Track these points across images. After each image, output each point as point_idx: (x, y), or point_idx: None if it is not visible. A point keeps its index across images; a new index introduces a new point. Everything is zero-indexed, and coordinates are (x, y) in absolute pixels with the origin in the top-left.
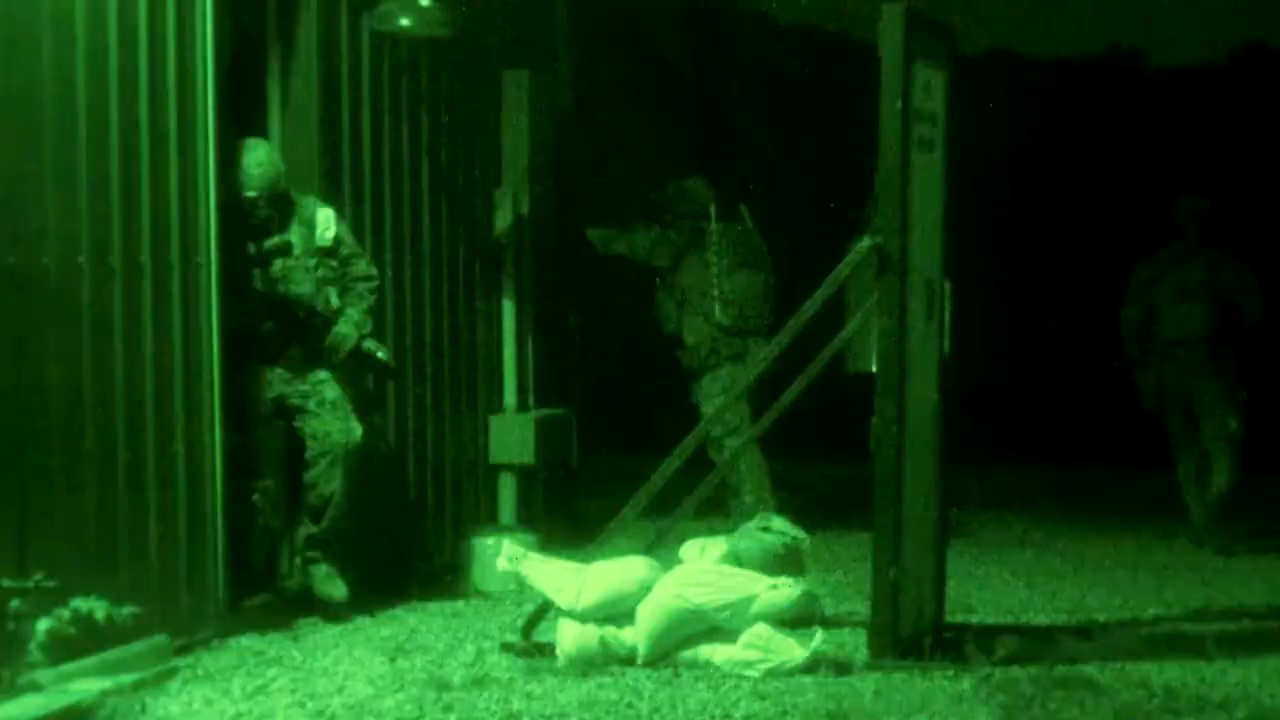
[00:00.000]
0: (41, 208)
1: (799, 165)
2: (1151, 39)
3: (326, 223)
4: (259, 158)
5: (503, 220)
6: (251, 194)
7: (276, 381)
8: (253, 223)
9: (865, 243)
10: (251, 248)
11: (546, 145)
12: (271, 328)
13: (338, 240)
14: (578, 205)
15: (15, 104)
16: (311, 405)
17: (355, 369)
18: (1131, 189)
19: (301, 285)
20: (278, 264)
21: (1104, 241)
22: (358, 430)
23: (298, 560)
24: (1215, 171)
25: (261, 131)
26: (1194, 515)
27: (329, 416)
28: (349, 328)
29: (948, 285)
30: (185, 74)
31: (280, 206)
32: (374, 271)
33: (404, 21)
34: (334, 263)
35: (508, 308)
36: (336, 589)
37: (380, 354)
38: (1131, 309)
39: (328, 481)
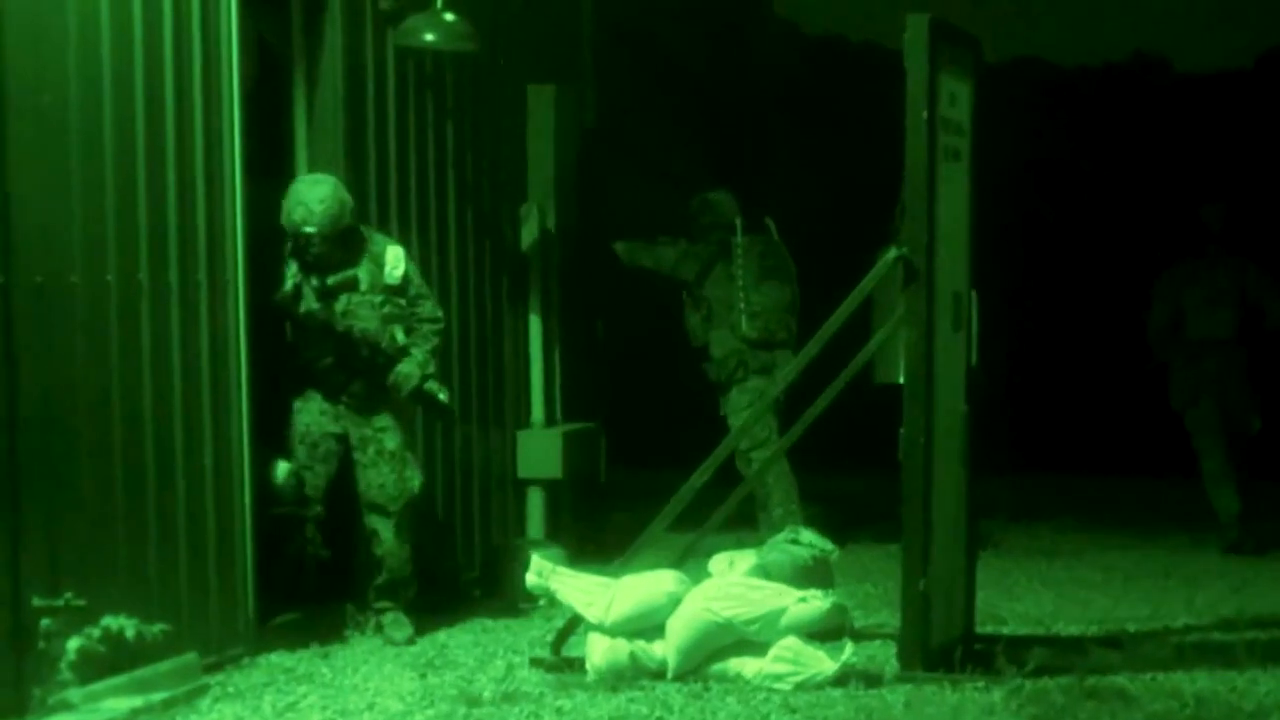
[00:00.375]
0: (68, 226)
1: (824, 176)
2: (1176, 46)
3: (396, 261)
4: (323, 194)
5: (529, 234)
6: (310, 230)
7: (340, 417)
8: (307, 259)
9: (892, 253)
10: (315, 280)
11: (571, 159)
12: (333, 362)
13: (406, 279)
14: (603, 219)
15: (42, 122)
16: (370, 453)
17: (415, 408)
18: (1158, 195)
19: (367, 321)
20: (343, 299)
21: (1131, 248)
22: (415, 480)
23: (369, 608)
24: (1241, 176)
25: (286, 146)
26: (1223, 514)
27: (385, 468)
28: (412, 367)
29: (974, 295)
30: (211, 91)
31: (348, 242)
32: (440, 313)
33: (428, 36)
34: (402, 301)
35: (534, 322)
36: (400, 632)
37: (441, 396)
38: (1158, 313)
39: (385, 535)
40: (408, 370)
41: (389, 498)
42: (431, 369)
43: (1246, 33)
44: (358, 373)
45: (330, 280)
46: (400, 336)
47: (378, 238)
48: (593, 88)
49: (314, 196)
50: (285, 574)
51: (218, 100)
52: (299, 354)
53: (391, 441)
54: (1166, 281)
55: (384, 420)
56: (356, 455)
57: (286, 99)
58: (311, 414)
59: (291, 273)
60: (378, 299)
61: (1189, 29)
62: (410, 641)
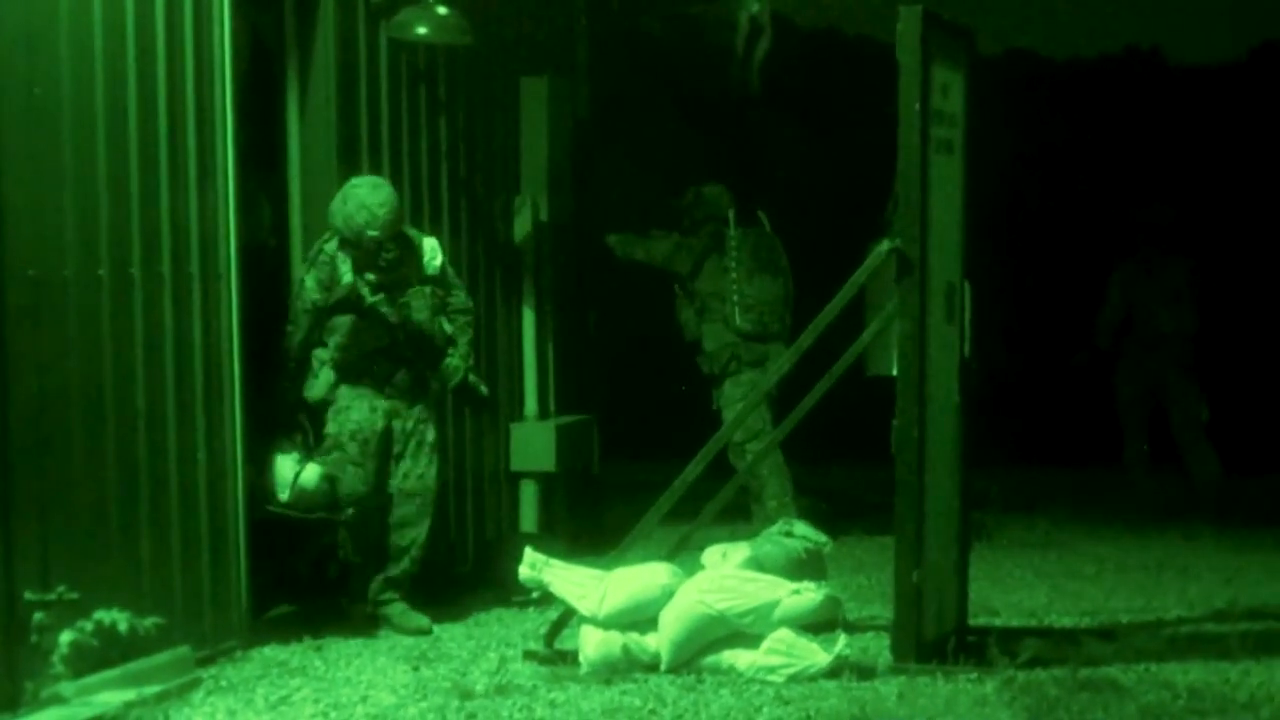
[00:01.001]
0: (60, 220)
1: (818, 169)
2: (1170, 38)
3: (433, 252)
4: (383, 198)
5: (522, 227)
6: (374, 234)
7: (387, 413)
8: (381, 264)
9: (885, 245)
10: (372, 276)
11: (565, 152)
12: (383, 355)
13: (443, 269)
14: (597, 212)
15: (34, 116)
16: (412, 445)
17: (457, 400)
18: (1151, 188)
19: (420, 313)
20: (398, 294)
21: (1123, 241)
22: (444, 471)
23: (372, 601)
24: (1235, 169)
25: (279, 138)
26: (1146, 494)
27: (424, 459)
28: (459, 360)
29: (967, 287)
30: (203, 84)
31: (398, 241)
32: (471, 303)
33: (421, 29)
34: (440, 291)
35: (528, 315)
36: (419, 621)
37: (482, 389)
38: (1113, 307)
39: (415, 525)
40: (455, 364)
41: (425, 487)
42: (472, 361)
43: (1239, 25)
44: (404, 363)
45: (389, 276)
46: (447, 327)
47: (411, 231)
48: (586, 80)
49: (376, 200)
50: (305, 577)
51: (210, 93)
52: (351, 349)
53: (431, 433)
54: (1120, 277)
55: (424, 412)
56: (396, 448)
57: (279, 91)
58: (362, 411)
59: (346, 270)
60: (426, 290)
61: (1182, 21)
62: (428, 630)
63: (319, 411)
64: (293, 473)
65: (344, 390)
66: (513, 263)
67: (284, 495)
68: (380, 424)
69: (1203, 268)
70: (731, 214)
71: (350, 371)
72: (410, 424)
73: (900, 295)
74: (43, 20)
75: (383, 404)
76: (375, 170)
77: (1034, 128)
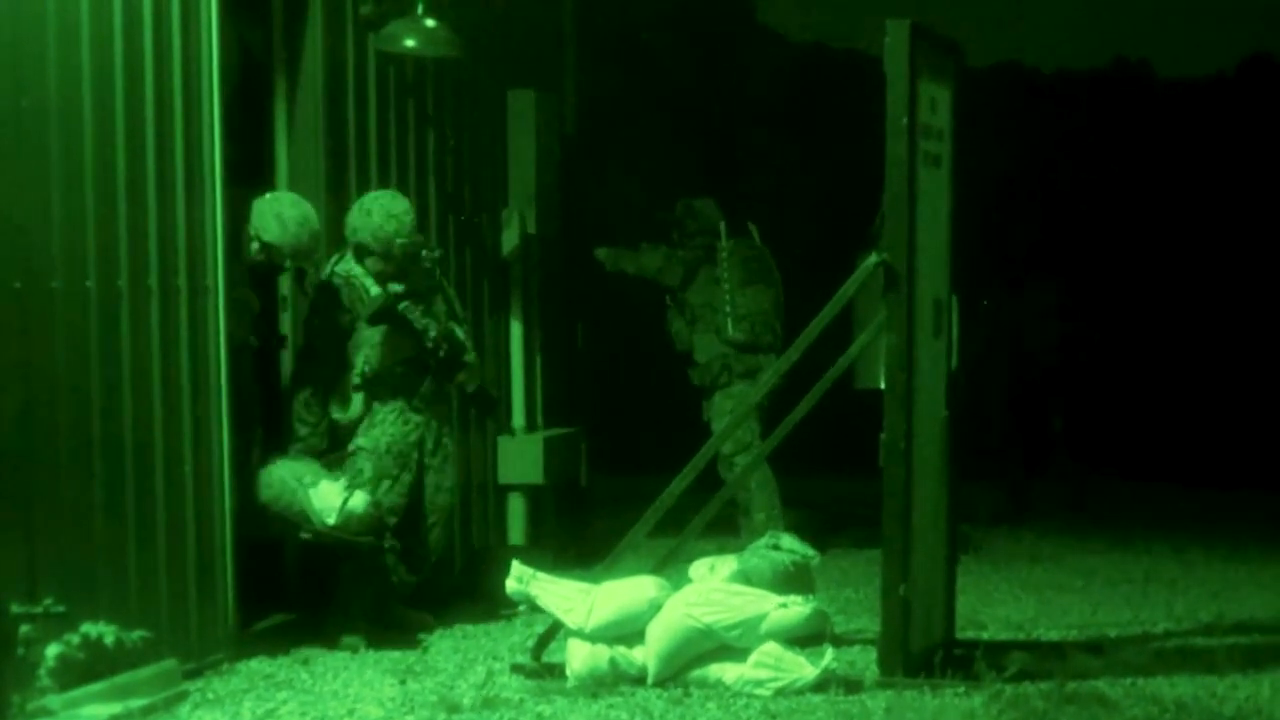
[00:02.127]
0: (48, 232)
1: (807, 182)
2: (1158, 51)
3: (430, 261)
4: (406, 205)
5: (510, 240)
6: (404, 240)
7: (418, 425)
8: (425, 264)
9: (872, 259)
10: (398, 286)
11: (553, 164)
12: (409, 365)
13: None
14: (584, 225)
15: (21, 128)
16: (438, 459)
17: (474, 405)
18: (1138, 200)
19: (439, 318)
20: (420, 300)
21: (1110, 252)
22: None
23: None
24: (1222, 181)
25: (267, 151)
26: (1018, 490)
27: (448, 469)
28: (476, 362)
29: (954, 300)
30: (191, 96)
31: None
32: (460, 309)
33: (409, 42)
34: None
35: (515, 328)
36: (422, 616)
37: (493, 391)
38: (989, 328)
39: (432, 533)
40: (475, 362)
41: (447, 500)
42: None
43: (1227, 38)
44: (427, 372)
45: (402, 286)
46: (460, 333)
47: None
48: (574, 93)
49: (401, 208)
50: (370, 605)
51: (198, 105)
52: (381, 360)
53: (451, 444)
54: (994, 299)
55: (446, 423)
56: (427, 460)
57: (267, 104)
58: (396, 425)
59: (371, 283)
60: (436, 296)
61: (1170, 34)
62: (432, 620)
63: (349, 429)
64: (340, 498)
65: (376, 407)
66: (500, 275)
67: (332, 520)
68: (413, 437)
69: (1073, 284)
70: (722, 226)
71: (381, 386)
72: (437, 435)
73: (888, 309)
74: (30, 31)
75: (415, 417)
76: (363, 182)
77: (1023, 140)
